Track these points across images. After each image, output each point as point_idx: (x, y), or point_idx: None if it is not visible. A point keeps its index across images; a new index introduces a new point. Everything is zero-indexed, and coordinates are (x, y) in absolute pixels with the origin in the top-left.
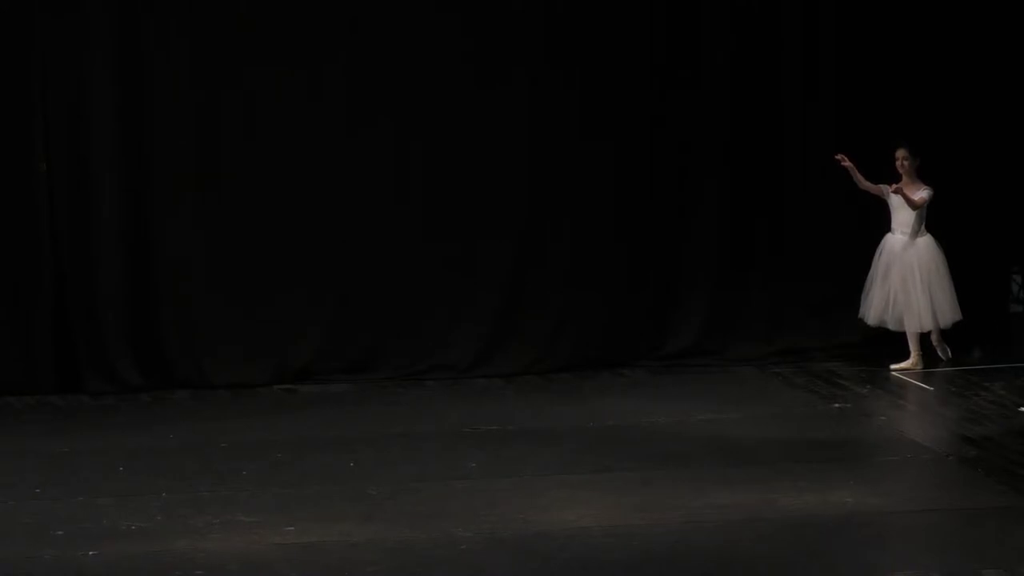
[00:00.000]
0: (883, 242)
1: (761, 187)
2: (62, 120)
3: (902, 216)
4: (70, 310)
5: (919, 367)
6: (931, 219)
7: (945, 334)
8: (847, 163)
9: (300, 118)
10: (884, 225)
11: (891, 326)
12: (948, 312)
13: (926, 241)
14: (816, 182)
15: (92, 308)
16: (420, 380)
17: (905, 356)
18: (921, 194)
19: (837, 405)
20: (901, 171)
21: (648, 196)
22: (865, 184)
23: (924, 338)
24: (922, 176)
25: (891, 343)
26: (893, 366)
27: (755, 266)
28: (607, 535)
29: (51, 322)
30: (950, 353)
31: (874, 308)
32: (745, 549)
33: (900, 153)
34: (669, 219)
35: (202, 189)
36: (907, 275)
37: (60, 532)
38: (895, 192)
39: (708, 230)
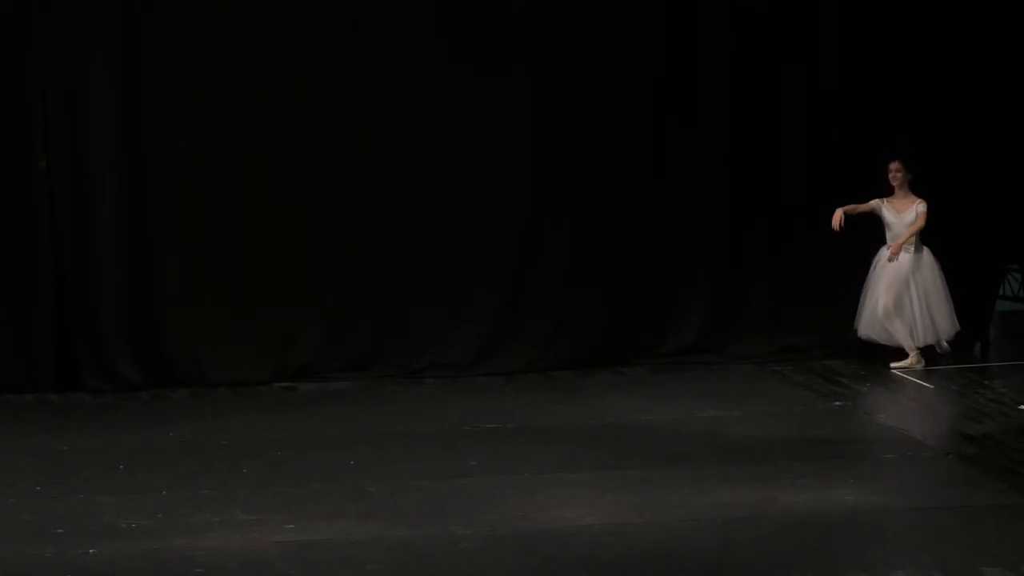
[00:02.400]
0: (879, 255)
1: (761, 187)
2: (62, 120)
3: (896, 231)
4: (70, 309)
5: (919, 365)
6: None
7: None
8: (839, 220)
9: (300, 118)
10: (881, 228)
11: (879, 339)
12: (947, 326)
13: (923, 256)
14: (816, 181)
15: (92, 307)
16: (420, 378)
17: (905, 355)
18: (920, 211)
19: (837, 403)
20: (894, 183)
21: (648, 196)
22: (858, 210)
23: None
24: (915, 187)
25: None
26: (893, 364)
27: (755, 265)
28: (607, 533)
29: (51, 321)
30: (947, 346)
31: (863, 321)
32: (745, 547)
33: (894, 166)
34: (669, 219)
35: (202, 189)
36: (903, 292)
37: (60, 530)
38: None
39: (708, 229)
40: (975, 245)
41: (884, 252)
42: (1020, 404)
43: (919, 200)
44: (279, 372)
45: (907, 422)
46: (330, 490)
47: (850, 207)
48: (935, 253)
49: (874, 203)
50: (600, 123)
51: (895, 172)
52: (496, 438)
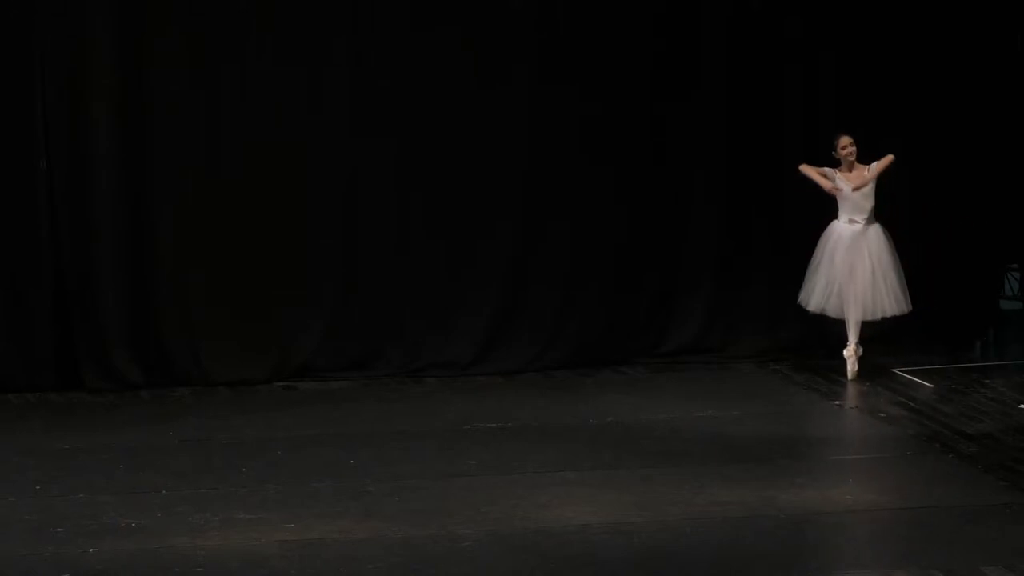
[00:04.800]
0: (830, 228)
1: (761, 184)
2: (62, 120)
3: (852, 202)
4: (70, 309)
5: (860, 352)
6: (925, 214)
7: (918, 333)
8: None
9: (301, 117)
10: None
11: (831, 313)
12: (895, 301)
13: (876, 229)
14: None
15: (92, 306)
16: (420, 377)
17: (901, 351)
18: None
19: (837, 402)
20: (850, 158)
21: (648, 195)
22: (812, 174)
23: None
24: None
25: (892, 341)
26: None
27: (755, 264)
28: (607, 532)
29: (51, 320)
30: (856, 371)
31: (816, 294)
32: (745, 546)
33: (847, 140)
34: (669, 217)
35: (202, 187)
36: (856, 263)
37: (60, 529)
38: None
39: (708, 228)
40: (975, 245)
41: (836, 225)
42: (1020, 403)
43: (867, 166)
44: (279, 371)
45: (907, 422)
46: (330, 489)
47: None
48: (937, 252)
49: (828, 171)
50: (599, 122)
51: (850, 147)
52: (496, 437)
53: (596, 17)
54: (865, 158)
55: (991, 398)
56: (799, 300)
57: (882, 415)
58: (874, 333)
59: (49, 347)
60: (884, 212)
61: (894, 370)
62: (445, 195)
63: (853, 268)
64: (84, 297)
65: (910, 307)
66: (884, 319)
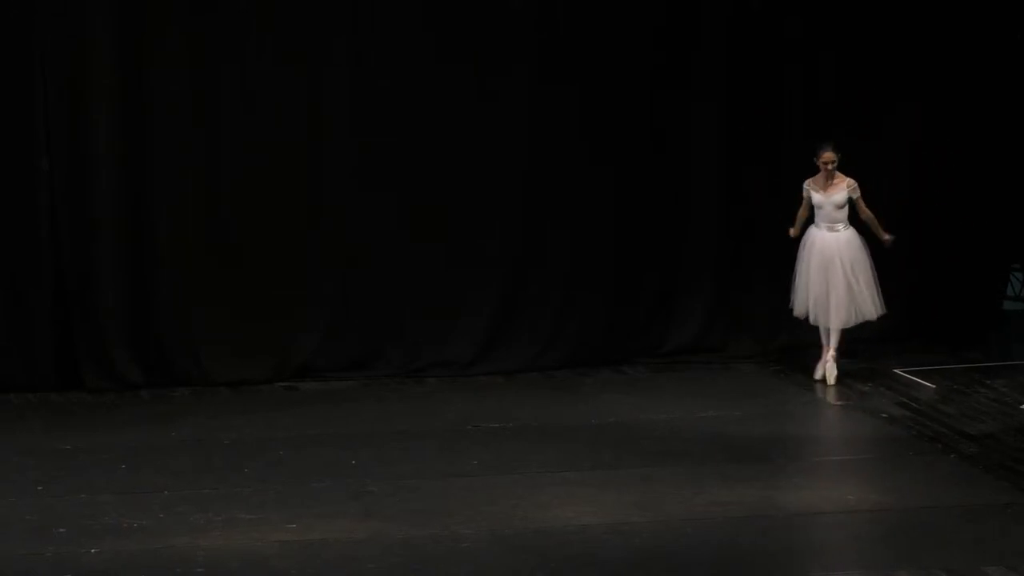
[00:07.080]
0: (807, 234)
1: (761, 185)
2: (62, 120)
3: (826, 211)
4: (71, 308)
5: (836, 357)
6: (926, 215)
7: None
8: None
9: (301, 117)
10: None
11: (812, 320)
12: (871, 306)
13: (849, 235)
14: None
15: (93, 306)
16: (420, 377)
17: (902, 351)
18: (855, 197)
19: (837, 403)
20: (831, 169)
21: (648, 194)
22: (802, 220)
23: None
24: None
25: (893, 341)
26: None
27: (754, 264)
28: (607, 532)
29: (52, 320)
30: (836, 375)
31: (800, 300)
32: (745, 546)
33: (829, 155)
34: (669, 217)
35: (202, 187)
36: (830, 272)
37: (61, 529)
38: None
39: (708, 228)
40: (978, 246)
41: (812, 231)
42: (1021, 403)
43: (846, 179)
44: (280, 371)
45: (907, 422)
46: (331, 489)
47: (796, 229)
48: (939, 252)
49: (804, 196)
50: (600, 123)
51: (832, 162)
52: (497, 437)
53: (596, 17)
54: (864, 157)
55: (992, 398)
56: (790, 306)
57: (883, 415)
58: (873, 334)
59: (49, 347)
60: (885, 212)
61: (895, 370)
62: (446, 195)
63: (828, 277)
64: (84, 297)
65: (885, 310)
66: (867, 323)
